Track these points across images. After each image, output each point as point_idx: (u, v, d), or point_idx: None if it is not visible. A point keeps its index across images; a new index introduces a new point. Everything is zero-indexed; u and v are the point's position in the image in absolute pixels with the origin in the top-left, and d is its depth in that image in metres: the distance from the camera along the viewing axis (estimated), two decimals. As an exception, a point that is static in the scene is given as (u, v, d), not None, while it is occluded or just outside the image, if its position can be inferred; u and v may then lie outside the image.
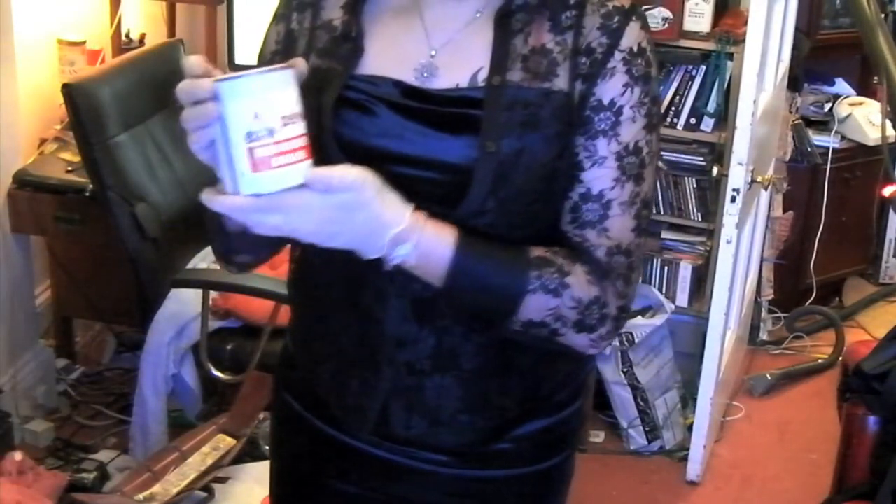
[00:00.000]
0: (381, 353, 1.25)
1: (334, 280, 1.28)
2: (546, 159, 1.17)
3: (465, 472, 1.34)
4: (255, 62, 1.32)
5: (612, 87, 1.18)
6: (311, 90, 1.14)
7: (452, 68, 1.20)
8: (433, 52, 1.21)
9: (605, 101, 1.18)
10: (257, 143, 1.05)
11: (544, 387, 1.33)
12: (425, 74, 1.21)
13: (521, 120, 1.16)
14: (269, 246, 1.33)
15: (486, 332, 1.22)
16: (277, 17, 1.32)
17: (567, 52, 1.18)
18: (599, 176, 1.18)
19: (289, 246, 1.37)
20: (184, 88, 1.07)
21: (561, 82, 1.17)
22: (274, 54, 1.29)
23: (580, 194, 1.19)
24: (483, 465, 1.34)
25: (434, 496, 1.35)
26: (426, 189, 1.17)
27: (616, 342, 3.13)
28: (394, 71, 1.21)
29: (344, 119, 1.20)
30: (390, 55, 1.22)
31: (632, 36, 1.18)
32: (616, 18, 1.18)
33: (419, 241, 1.12)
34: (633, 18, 1.19)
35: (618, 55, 1.18)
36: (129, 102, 2.64)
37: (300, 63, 1.10)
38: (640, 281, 3.03)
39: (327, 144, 1.19)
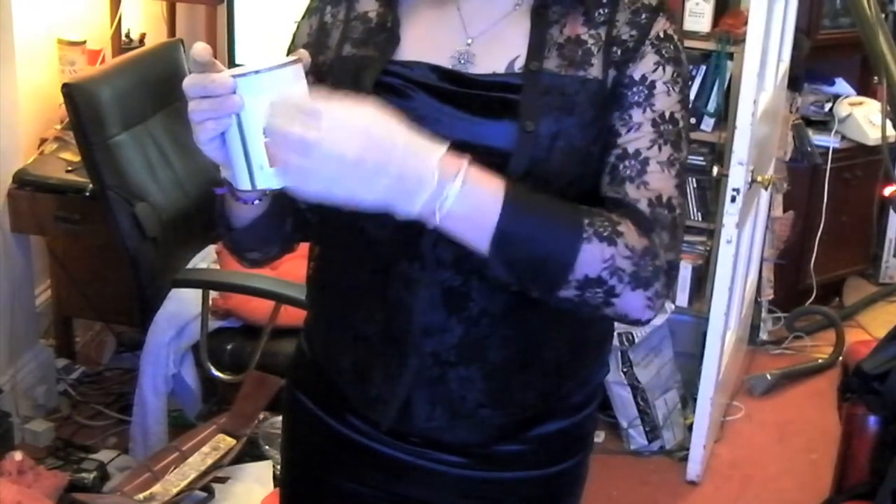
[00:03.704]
0: (407, 342, 1.25)
1: (360, 273, 1.27)
2: (581, 144, 1.19)
3: (477, 474, 1.34)
4: (256, 61, 1.32)
5: (643, 67, 1.21)
6: (346, 77, 1.14)
7: (489, 56, 1.22)
8: (470, 41, 1.23)
9: (637, 77, 1.20)
10: None
11: (565, 386, 1.33)
12: (462, 61, 1.22)
13: (558, 105, 1.18)
14: (278, 242, 1.33)
15: (540, 297, 1.16)
16: (310, 11, 1.33)
17: (601, 43, 1.21)
18: (636, 138, 1.20)
19: (294, 246, 1.37)
20: (195, 82, 1.06)
21: (595, 70, 1.20)
22: (305, 47, 1.30)
23: (616, 155, 1.20)
24: (495, 466, 1.34)
25: (444, 497, 1.35)
26: None
27: (616, 342, 3.13)
28: (430, 57, 1.22)
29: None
30: (427, 43, 1.24)
31: (659, 26, 1.22)
32: (644, 15, 1.22)
33: (467, 176, 1.07)
34: (661, 14, 1.23)
35: (647, 42, 1.21)
36: (129, 102, 2.63)
37: (305, 55, 1.11)
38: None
39: None
